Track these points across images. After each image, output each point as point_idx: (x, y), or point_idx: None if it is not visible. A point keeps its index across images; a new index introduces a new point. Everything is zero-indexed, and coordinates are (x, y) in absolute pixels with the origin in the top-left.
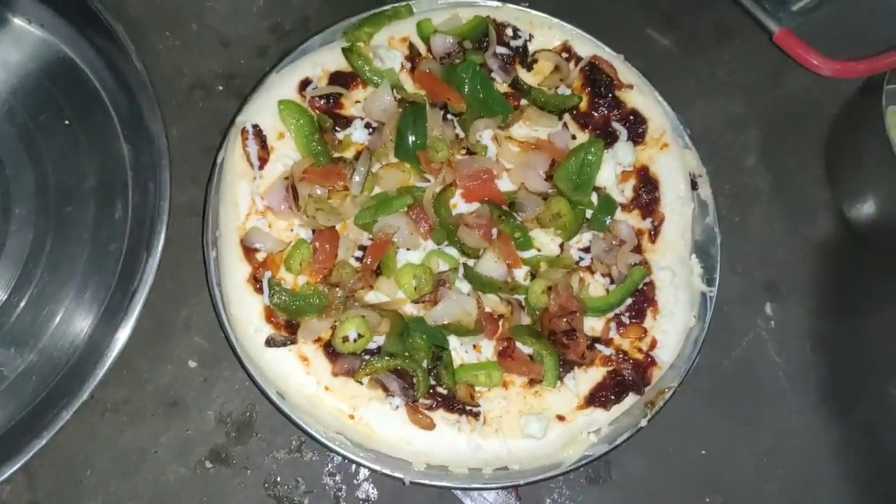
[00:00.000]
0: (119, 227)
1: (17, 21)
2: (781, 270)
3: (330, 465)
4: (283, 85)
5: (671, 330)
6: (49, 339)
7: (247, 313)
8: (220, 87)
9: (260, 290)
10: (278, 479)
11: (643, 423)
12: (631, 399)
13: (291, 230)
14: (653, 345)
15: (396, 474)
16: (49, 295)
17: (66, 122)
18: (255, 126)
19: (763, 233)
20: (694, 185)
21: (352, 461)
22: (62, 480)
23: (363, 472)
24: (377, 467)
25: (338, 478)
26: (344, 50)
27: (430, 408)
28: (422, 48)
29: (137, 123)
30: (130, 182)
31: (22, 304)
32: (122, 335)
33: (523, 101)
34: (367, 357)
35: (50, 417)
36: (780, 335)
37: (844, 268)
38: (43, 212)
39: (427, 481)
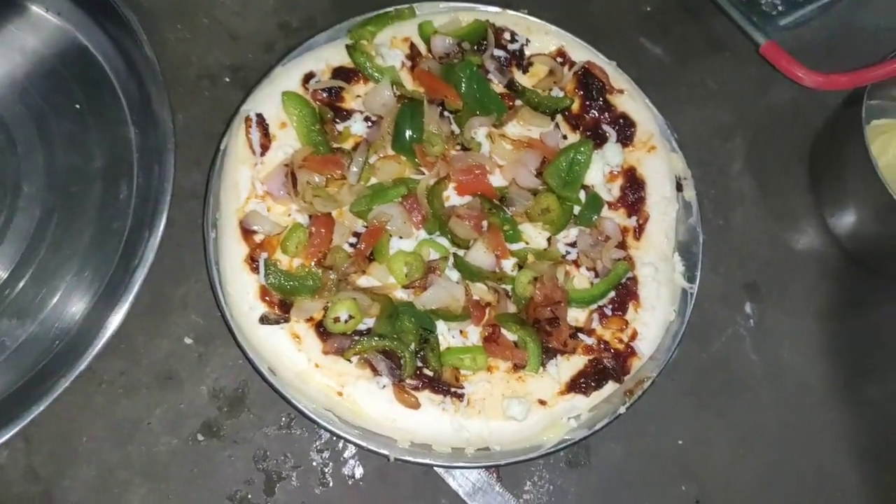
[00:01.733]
0: (123, 207)
1: (36, 9)
2: (762, 272)
3: (318, 442)
4: (287, 77)
5: (651, 323)
6: (50, 312)
7: (242, 291)
8: (227, 79)
9: (256, 270)
10: (267, 453)
11: (622, 409)
12: (610, 387)
13: (289, 215)
14: (633, 336)
15: (382, 451)
16: (53, 269)
17: (77, 105)
18: (259, 114)
19: (745, 235)
20: (679, 187)
21: (339, 437)
22: (58, 447)
23: (350, 450)
24: (363, 443)
25: (325, 454)
26: (347, 47)
27: (416, 388)
28: (422, 48)
29: (145, 108)
30: (136, 164)
31: (26, 277)
32: (122, 310)
33: (518, 102)
34: (356, 338)
35: (48, 386)
36: (758, 333)
37: (824, 271)
38: (51, 190)
39: (411, 458)
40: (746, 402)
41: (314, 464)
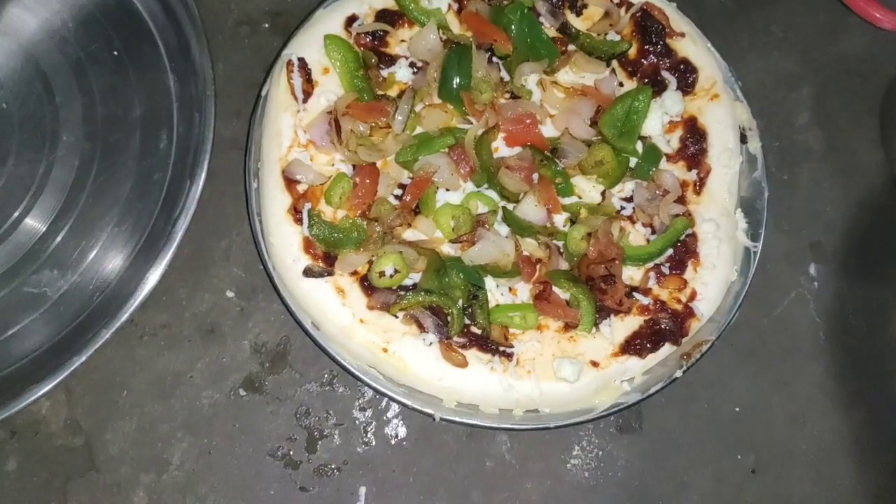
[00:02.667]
0: (163, 156)
1: None
2: (828, 231)
3: (361, 400)
4: (329, 20)
5: (712, 283)
6: (91, 263)
7: (286, 243)
8: (266, 25)
9: (299, 221)
10: (310, 410)
11: (678, 374)
12: (667, 349)
13: (332, 164)
14: (692, 296)
15: (427, 410)
16: (93, 220)
17: (115, 52)
18: (301, 59)
19: (811, 192)
20: (743, 139)
21: (383, 395)
22: (99, 399)
23: (393, 409)
24: (408, 402)
25: (368, 412)
26: None
27: (463, 346)
28: None
29: (184, 56)
30: (176, 113)
31: (66, 227)
32: (163, 263)
33: (571, 47)
34: (402, 293)
35: (90, 338)
36: (823, 296)
37: (893, 233)
38: (90, 139)
39: (457, 419)
40: (809, 370)
41: (357, 422)
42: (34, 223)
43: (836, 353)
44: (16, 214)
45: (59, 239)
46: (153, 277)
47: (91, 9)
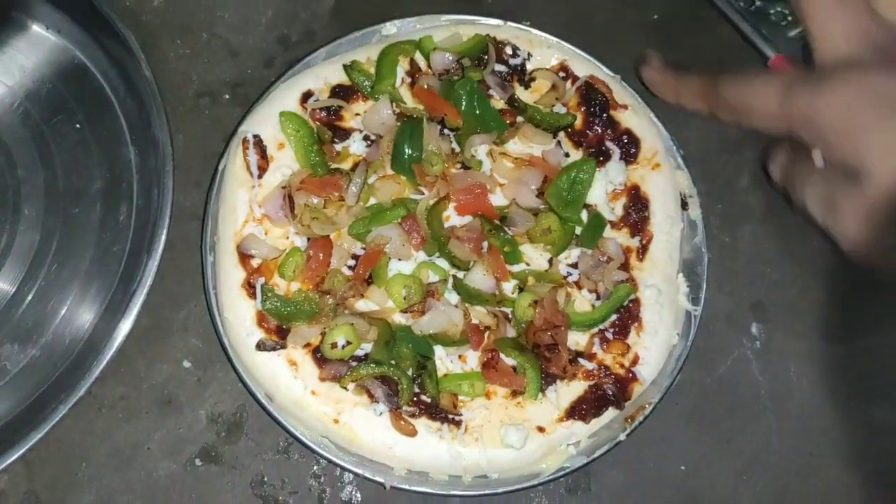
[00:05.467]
0: (123, 228)
1: (36, 27)
2: (770, 291)
3: (315, 468)
4: (285, 97)
5: (653, 347)
6: (51, 336)
7: (240, 317)
8: (227, 96)
9: (253, 296)
10: (265, 478)
11: (622, 436)
12: (611, 413)
13: (287, 238)
14: (635, 361)
15: (378, 479)
16: (53, 292)
17: (77, 125)
18: (256, 136)
19: (753, 253)
20: (684, 206)
21: (335, 465)
22: (58, 472)
23: (348, 476)
24: (359, 471)
25: (323, 480)
26: (345, 66)
27: (413, 415)
28: (423, 64)
29: (145, 129)
30: (136, 185)
31: (27, 300)
32: (121, 334)
33: (519, 119)
34: (353, 363)
35: (48, 411)
36: (765, 355)
37: (834, 290)
38: (51, 212)
39: (407, 486)
40: (751, 427)
41: (311, 489)
42: None
43: (778, 409)
44: None
45: (20, 312)
46: (111, 350)
47: (54, 81)
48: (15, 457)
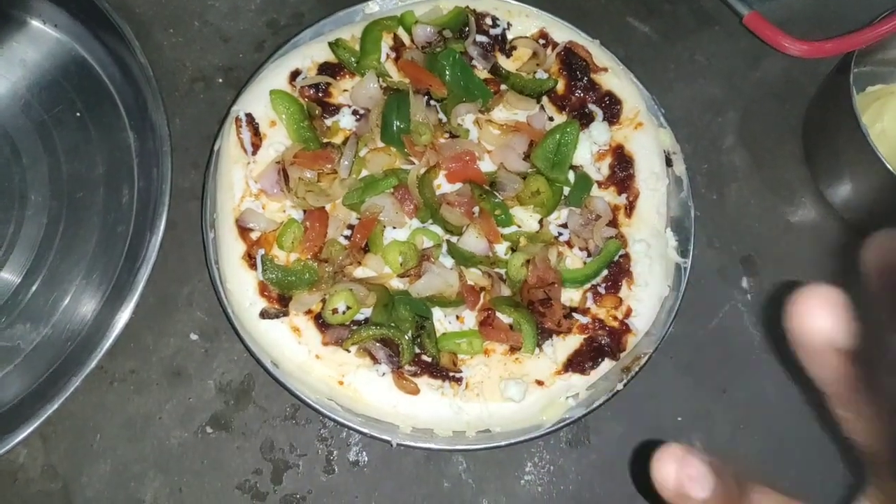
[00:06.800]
0: (126, 210)
1: (35, 22)
2: (758, 245)
3: (322, 431)
4: (274, 76)
5: (645, 299)
6: (61, 315)
7: (242, 288)
8: (220, 80)
9: (254, 267)
10: (274, 443)
11: (619, 387)
12: (607, 364)
13: (284, 211)
14: (628, 313)
15: (384, 437)
16: (61, 275)
17: (78, 114)
18: (248, 114)
19: (740, 209)
20: (669, 162)
21: (342, 425)
22: (74, 445)
23: (354, 437)
24: (366, 430)
25: (330, 442)
26: (330, 44)
27: (414, 374)
28: (406, 39)
29: (142, 114)
30: (136, 169)
31: (37, 283)
32: (128, 310)
33: (503, 86)
34: (354, 328)
35: (62, 385)
36: (757, 307)
37: (821, 243)
38: (56, 198)
39: (413, 443)
40: (746, 377)
41: (319, 452)
42: (6, 279)
43: (772, 360)
44: None
45: (30, 294)
46: (119, 326)
47: (53, 73)
48: (30, 430)
